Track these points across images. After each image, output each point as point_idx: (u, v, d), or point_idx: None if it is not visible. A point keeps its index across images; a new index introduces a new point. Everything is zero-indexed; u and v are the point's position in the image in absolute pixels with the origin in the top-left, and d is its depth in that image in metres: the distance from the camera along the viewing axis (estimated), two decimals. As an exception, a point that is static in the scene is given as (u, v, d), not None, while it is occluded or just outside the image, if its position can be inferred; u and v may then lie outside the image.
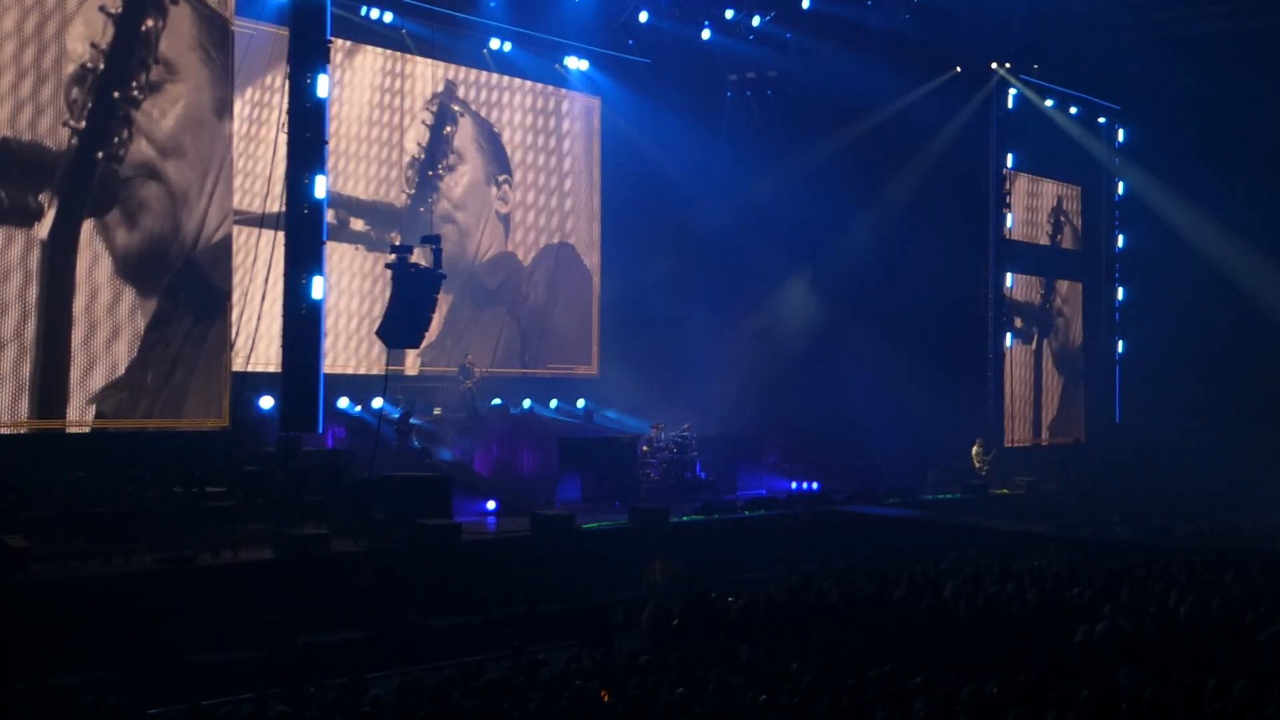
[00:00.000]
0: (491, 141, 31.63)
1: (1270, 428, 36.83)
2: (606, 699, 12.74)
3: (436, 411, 28.53)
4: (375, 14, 28.41)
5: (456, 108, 30.67)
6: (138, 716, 12.43)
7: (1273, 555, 22.94)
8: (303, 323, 21.59)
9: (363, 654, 17.06)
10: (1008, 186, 38.33)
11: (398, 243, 24.52)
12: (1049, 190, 41.39)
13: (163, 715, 13.35)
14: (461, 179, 30.91)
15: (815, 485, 31.65)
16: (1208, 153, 38.54)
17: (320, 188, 21.84)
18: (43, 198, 21.35)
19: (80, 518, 18.95)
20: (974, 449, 34.68)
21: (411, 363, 28.83)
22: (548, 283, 32.90)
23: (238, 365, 22.95)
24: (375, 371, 26.75)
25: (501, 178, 31.82)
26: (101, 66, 21.99)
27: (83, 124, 21.74)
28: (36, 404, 21.20)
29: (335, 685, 13.57)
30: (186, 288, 23.01)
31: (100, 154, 22.02)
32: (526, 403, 30.56)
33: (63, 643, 16.41)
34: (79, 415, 21.67)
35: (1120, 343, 42.87)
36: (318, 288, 21.67)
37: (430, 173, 29.99)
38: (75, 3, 21.63)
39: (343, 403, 26.28)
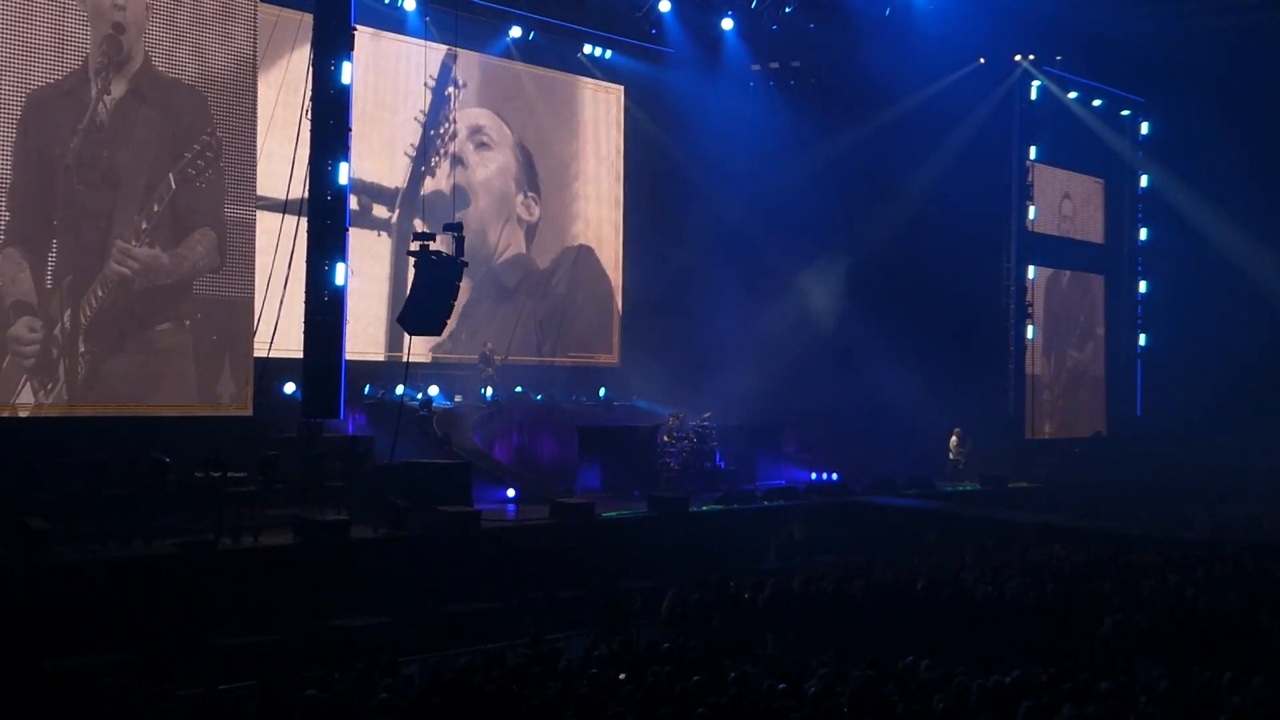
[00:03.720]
0: (521, 153, 31.78)
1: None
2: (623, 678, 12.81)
3: (457, 399, 28.59)
4: (399, 1, 28.47)
5: (476, 98, 30.71)
6: (157, 697, 12.46)
7: (1293, 550, 22.86)
8: (325, 309, 21.61)
9: (382, 640, 17.11)
10: (1030, 178, 38.25)
11: (420, 230, 24.52)
12: (1072, 182, 41.32)
13: (181, 698, 13.40)
14: (484, 172, 30.99)
15: (834, 476, 31.54)
16: (1232, 146, 38.41)
17: (343, 174, 21.87)
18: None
19: (101, 501, 19.03)
20: (951, 439, 34.48)
21: (432, 350, 28.85)
22: (568, 277, 33.00)
23: (259, 351, 23.01)
24: (397, 358, 26.80)
25: (531, 195, 31.96)
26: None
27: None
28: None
29: (356, 670, 13.60)
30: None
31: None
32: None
33: (82, 625, 16.49)
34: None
35: (1142, 336, 42.80)
36: (340, 274, 21.73)
37: (451, 163, 29.96)
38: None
39: (364, 389, 26.37)
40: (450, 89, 30.54)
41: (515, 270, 31.81)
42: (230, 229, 23.05)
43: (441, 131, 30.28)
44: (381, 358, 27.72)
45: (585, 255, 33.48)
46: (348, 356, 22.27)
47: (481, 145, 31.03)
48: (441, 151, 30.15)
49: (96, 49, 21.54)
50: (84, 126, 21.47)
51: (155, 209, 22.24)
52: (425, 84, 29.75)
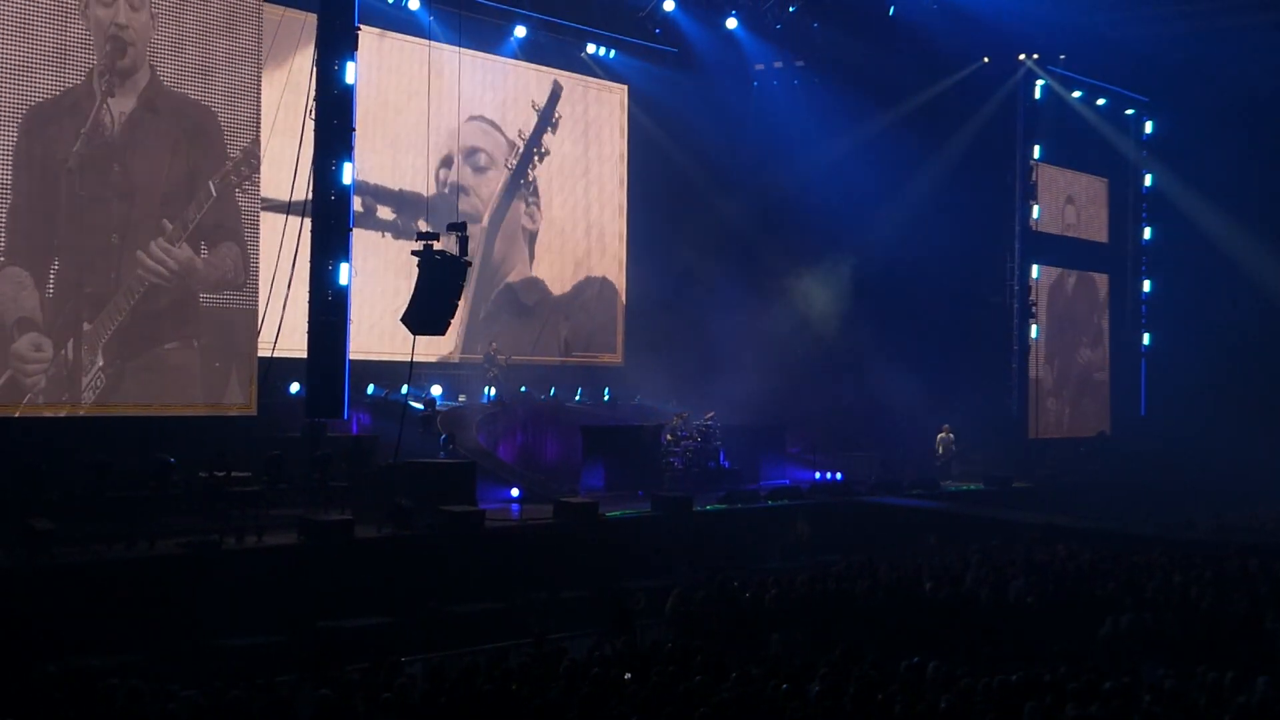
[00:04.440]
0: (522, 161, 31.90)
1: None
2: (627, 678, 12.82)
3: (461, 399, 28.59)
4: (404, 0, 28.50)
5: (477, 106, 30.75)
6: (162, 698, 12.46)
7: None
8: (329, 309, 21.62)
9: (386, 640, 17.12)
10: (1034, 178, 38.23)
11: (424, 230, 24.51)
12: (1076, 182, 41.32)
13: (186, 699, 13.41)
14: (487, 190, 31.08)
15: (838, 475, 31.56)
16: (1236, 145, 38.36)
17: (347, 174, 21.88)
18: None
19: (105, 501, 19.03)
20: (939, 435, 34.34)
21: (436, 350, 28.82)
22: (591, 302, 33.37)
23: (264, 351, 23.04)
24: (401, 358, 26.80)
25: (532, 202, 32.03)
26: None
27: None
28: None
29: (359, 669, 13.61)
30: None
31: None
32: (551, 390, 30.72)
33: (87, 626, 16.49)
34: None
35: (1146, 336, 42.77)
36: (344, 274, 21.72)
37: (458, 165, 30.05)
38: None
39: (368, 389, 26.38)
40: (556, 115, 31.99)
41: (532, 292, 32.02)
42: (247, 237, 23.20)
43: (539, 149, 31.90)
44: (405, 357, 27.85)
45: (608, 286, 33.70)
46: (365, 356, 22.31)
47: (478, 169, 30.98)
48: (532, 173, 31.77)
49: (100, 54, 21.52)
50: (86, 130, 21.46)
51: (195, 215, 22.44)
52: (532, 106, 31.60)
